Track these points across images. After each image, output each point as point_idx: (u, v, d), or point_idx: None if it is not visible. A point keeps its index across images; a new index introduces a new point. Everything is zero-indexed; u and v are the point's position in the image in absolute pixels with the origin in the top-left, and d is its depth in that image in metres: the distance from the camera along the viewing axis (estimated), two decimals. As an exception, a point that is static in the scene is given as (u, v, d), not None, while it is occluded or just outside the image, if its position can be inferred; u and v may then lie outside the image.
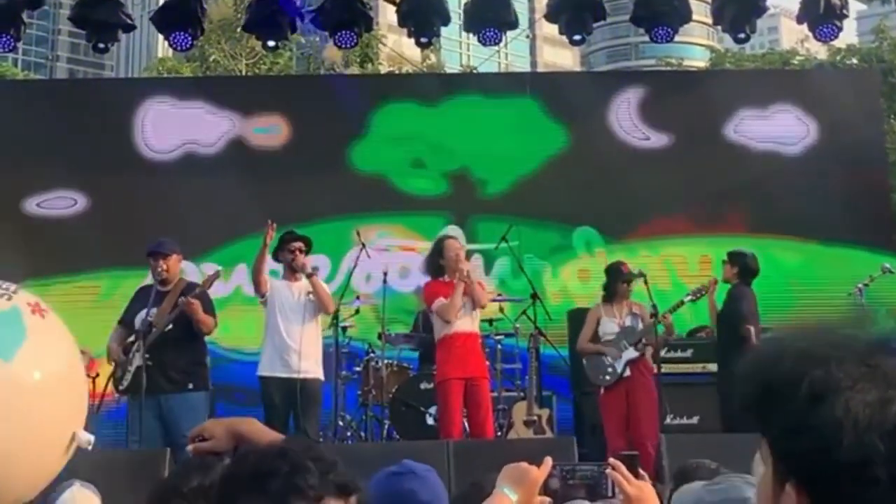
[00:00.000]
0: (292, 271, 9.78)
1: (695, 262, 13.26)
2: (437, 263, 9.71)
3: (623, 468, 3.30)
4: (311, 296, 9.64)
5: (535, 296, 11.20)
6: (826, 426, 1.52)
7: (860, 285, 10.91)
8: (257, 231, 12.95)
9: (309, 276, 9.64)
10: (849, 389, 1.54)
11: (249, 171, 13.46)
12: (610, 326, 9.82)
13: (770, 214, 13.19)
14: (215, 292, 11.86)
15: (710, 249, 13.03)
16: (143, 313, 9.26)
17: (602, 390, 9.67)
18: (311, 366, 9.60)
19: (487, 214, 13.32)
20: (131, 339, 9.34)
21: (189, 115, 13.82)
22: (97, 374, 10.25)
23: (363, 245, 11.31)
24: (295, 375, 9.44)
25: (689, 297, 10.06)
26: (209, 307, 9.49)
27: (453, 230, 13.29)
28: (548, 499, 3.22)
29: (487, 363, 10.58)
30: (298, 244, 9.81)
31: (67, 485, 5.01)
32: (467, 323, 9.47)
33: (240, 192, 13.24)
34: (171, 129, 13.74)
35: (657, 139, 13.73)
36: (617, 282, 9.98)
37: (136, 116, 13.76)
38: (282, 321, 9.56)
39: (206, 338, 9.74)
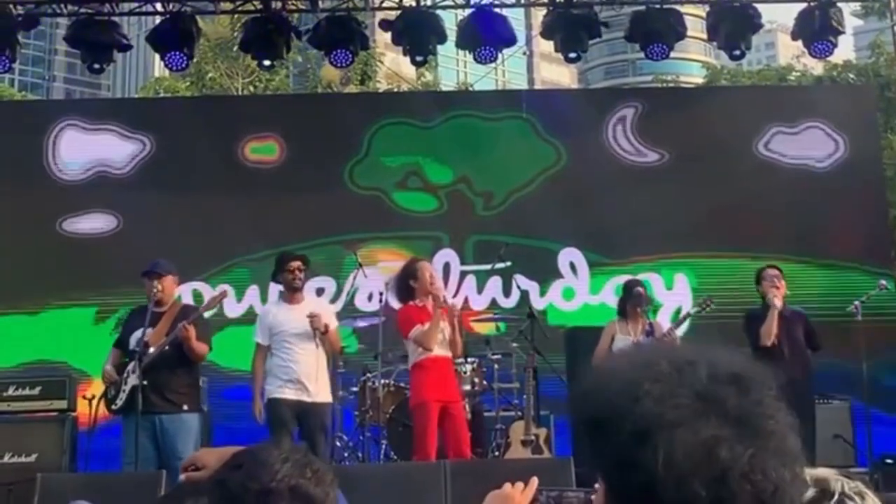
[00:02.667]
0: (292, 292, 9.70)
1: (671, 281, 13.33)
2: (407, 286, 9.55)
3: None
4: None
5: (531, 315, 11.18)
6: (649, 466, 1.47)
7: (857, 302, 10.87)
8: (256, 251, 13.06)
9: (324, 333, 9.43)
10: (676, 427, 1.48)
11: (244, 191, 13.45)
12: (625, 343, 9.82)
13: (767, 232, 13.15)
14: (227, 311, 11.97)
15: (692, 270, 13.18)
16: (138, 333, 9.23)
17: None
18: (319, 389, 9.48)
19: (482, 233, 13.33)
20: (126, 359, 9.34)
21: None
22: (93, 396, 10.24)
23: (360, 265, 11.29)
24: (302, 398, 9.37)
25: (695, 309, 10.07)
26: (204, 334, 9.43)
27: (447, 255, 13.34)
28: None
29: (485, 382, 10.59)
30: (297, 263, 9.70)
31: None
32: (443, 348, 9.36)
33: (236, 212, 13.24)
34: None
35: (652, 157, 13.72)
36: (627, 302, 10.05)
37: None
38: (285, 345, 9.43)
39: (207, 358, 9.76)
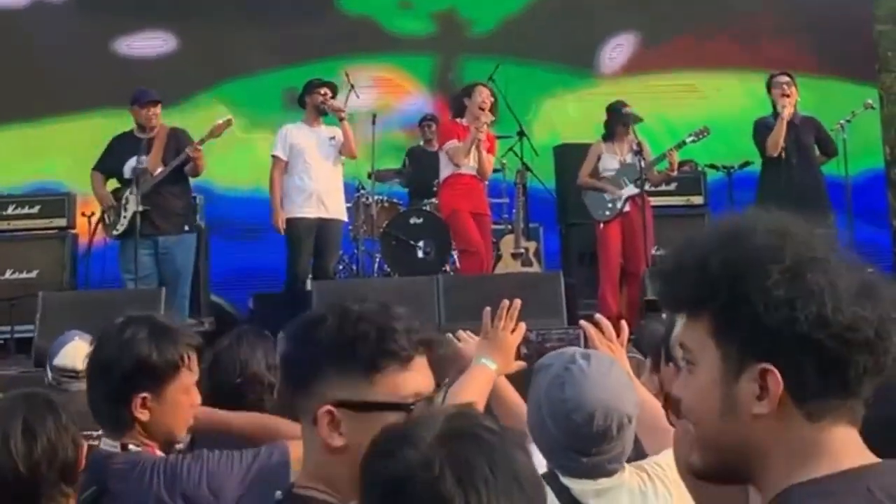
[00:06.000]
0: (318, 115, 9.96)
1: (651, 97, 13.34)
2: (460, 103, 9.94)
3: (594, 329, 3.39)
4: (332, 140, 9.84)
5: (521, 133, 11.33)
6: (816, 293, 1.52)
7: (842, 121, 10.88)
8: (252, 73, 13.16)
9: (341, 120, 9.79)
10: (828, 262, 1.55)
11: (241, 13, 13.45)
12: (611, 163, 9.97)
13: (756, 47, 13.12)
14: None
15: (679, 86, 13.37)
16: (132, 161, 9.45)
17: (601, 224, 9.88)
18: (336, 207, 9.89)
19: (474, 54, 13.36)
20: (117, 186, 9.64)
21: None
22: (92, 213, 10.41)
23: (352, 86, 11.39)
24: (321, 215, 9.73)
25: (691, 139, 10.09)
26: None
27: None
28: (523, 363, 3.37)
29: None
30: (325, 89, 9.98)
31: (69, 336, 5.20)
32: (471, 169, 9.75)
33: (233, 34, 13.26)
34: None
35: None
36: (616, 123, 10.10)
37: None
38: (306, 164, 9.74)
39: (202, 176, 9.98)
